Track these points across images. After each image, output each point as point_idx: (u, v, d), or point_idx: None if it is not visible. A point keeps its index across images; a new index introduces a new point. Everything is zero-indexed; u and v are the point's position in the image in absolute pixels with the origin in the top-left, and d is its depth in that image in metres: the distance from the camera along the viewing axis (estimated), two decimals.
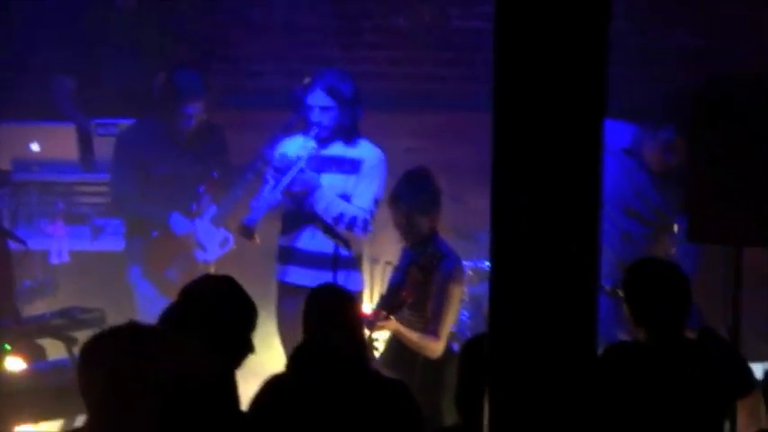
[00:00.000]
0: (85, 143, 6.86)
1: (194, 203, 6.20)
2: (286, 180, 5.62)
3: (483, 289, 6.25)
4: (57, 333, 5.33)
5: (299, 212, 5.73)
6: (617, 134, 5.73)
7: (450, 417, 4.17)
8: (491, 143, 2.39)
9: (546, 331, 2.38)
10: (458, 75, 7.38)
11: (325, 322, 4.16)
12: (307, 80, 5.80)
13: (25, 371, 5.17)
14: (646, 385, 3.91)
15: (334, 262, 5.36)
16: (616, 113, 5.30)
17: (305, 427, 3.72)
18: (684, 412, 3.90)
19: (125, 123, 6.55)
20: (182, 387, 3.18)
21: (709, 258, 4.86)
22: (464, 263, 6.29)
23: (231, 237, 6.18)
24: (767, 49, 6.85)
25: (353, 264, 5.68)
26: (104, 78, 7.00)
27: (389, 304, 5.10)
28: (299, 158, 5.66)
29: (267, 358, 3.74)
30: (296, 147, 5.74)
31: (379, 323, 4.99)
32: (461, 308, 6.16)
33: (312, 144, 5.71)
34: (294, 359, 3.92)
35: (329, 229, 5.57)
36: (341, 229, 5.60)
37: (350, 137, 5.76)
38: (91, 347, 3.12)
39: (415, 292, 5.07)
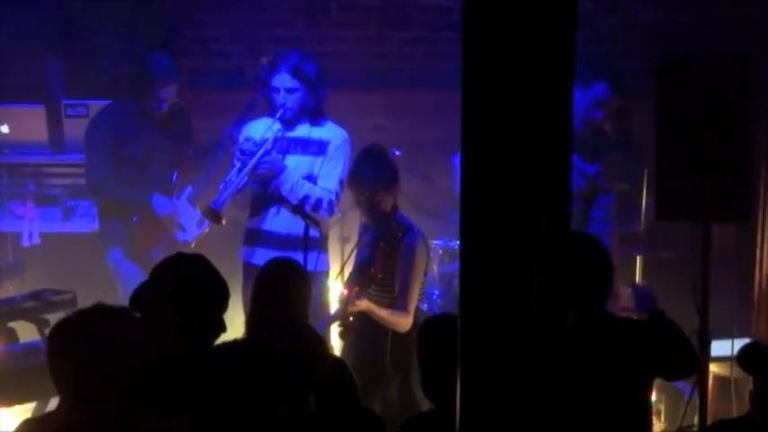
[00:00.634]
0: (55, 125, 6.83)
1: (172, 182, 6.24)
2: (252, 163, 5.65)
3: (453, 268, 6.28)
4: (28, 315, 5.33)
5: (265, 195, 5.75)
6: None
7: (419, 389, 4.19)
8: (460, 121, 2.41)
9: (517, 309, 2.41)
10: (426, 53, 7.36)
11: (269, 293, 4.37)
12: (264, 59, 5.81)
13: None
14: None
15: (302, 243, 5.37)
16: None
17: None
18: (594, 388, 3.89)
19: (95, 104, 6.52)
20: (150, 367, 3.20)
21: (680, 238, 4.88)
22: (434, 242, 6.33)
23: None
24: (730, 25, 6.88)
25: (319, 244, 5.69)
26: (77, 60, 6.98)
27: (359, 281, 5.13)
28: (264, 141, 5.68)
29: (230, 338, 3.73)
30: (262, 129, 5.75)
31: (354, 301, 5.01)
32: (432, 286, 6.21)
33: (278, 126, 5.73)
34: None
35: (298, 210, 5.58)
36: (307, 210, 5.61)
37: (315, 118, 5.78)
38: (59, 331, 3.14)
39: (383, 267, 5.10)
